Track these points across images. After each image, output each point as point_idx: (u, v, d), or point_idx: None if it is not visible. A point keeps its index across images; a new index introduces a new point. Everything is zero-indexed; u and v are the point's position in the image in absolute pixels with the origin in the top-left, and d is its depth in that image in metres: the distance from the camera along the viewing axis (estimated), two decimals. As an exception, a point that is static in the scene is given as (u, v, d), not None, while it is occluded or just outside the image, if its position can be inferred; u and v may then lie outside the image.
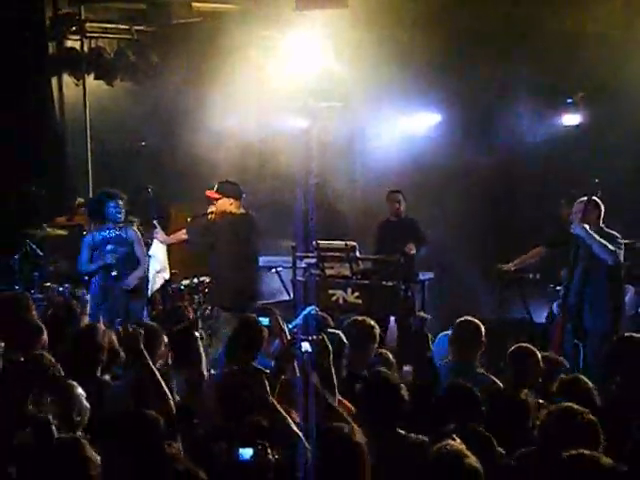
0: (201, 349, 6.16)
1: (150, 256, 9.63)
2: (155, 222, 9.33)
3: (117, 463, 3.97)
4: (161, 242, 9.50)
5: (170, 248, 9.98)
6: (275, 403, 4.73)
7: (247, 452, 3.96)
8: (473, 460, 4.00)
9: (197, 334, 6.20)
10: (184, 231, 9.05)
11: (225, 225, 8.82)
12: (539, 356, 6.15)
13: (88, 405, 4.92)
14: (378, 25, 10.09)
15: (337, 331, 6.46)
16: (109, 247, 8.96)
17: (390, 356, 6.66)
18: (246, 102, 10.21)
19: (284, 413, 4.66)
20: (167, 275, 10.12)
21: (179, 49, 11.79)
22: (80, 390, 5.04)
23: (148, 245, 9.61)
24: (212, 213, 8.92)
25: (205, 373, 5.96)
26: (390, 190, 10.55)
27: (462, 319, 6.64)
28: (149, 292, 9.68)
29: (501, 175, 11.52)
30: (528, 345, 6.25)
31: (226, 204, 8.91)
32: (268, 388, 4.82)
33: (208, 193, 8.99)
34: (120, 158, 12.12)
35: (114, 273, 8.92)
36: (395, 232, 10.24)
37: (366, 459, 4.11)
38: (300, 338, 4.65)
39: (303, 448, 4.20)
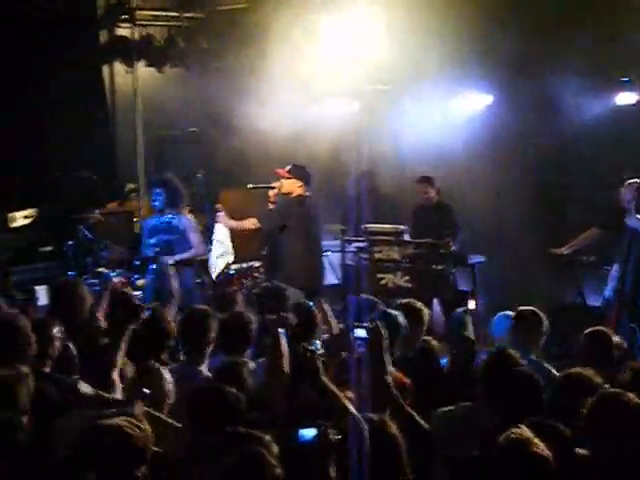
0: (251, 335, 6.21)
1: (212, 241, 9.72)
2: (219, 206, 9.40)
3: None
4: (224, 226, 9.52)
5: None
6: (330, 385, 4.73)
7: (309, 432, 3.95)
8: (541, 448, 3.96)
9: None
10: (254, 220, 9.12)
11: (295, 208, 8.98)
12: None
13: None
14: (425, 4, 10.00)
15: (395, 312, 6.46)
16: (152, 240, 9.05)
17: (433, 343, 6.63)
18: (294, 87, 10.20)
19: (339, 394, 4.66)
20: (231, 258, 10.09)
21: (228, 35, 11.81)
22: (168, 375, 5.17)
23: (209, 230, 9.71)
24: (277, 188, 9.03)
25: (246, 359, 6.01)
26: (417, 178, 10.51)
27: (524, 309, 6.62)
28: (213, 275, 9.77)
29: (554, 156, 11.38)
30: (605, 329, 6.24)
31: (294, 185, 9.05)
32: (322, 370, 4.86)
33: (279, 171, 9.09)
34: (170, 144, 12.22)
35: (153, 266, 8.99)
36: (428, 218, 10.20)
37: (401, 450, 4.10)
38: (354, 324, 4.62)
39: (360, 430, 4.17)
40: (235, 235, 9.82)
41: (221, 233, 9.84)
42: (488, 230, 10.95)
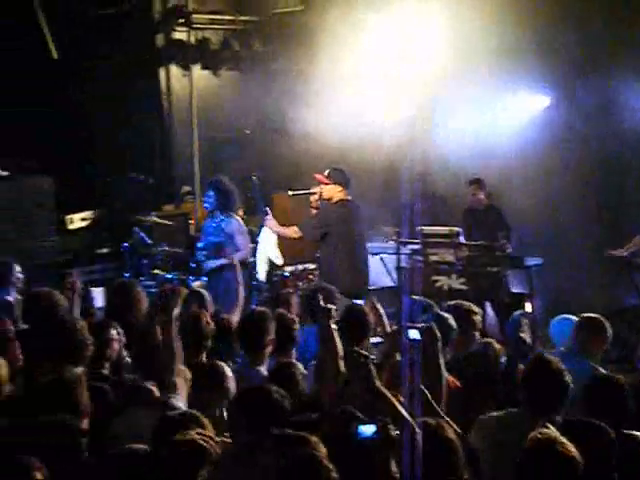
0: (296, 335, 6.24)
1: (257, 242, 9.75)
2: (267, 209, 9.42)
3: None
4: (270, 229, 9.54)
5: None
6: (382, 389, 4.71)
7: (369, 429, 3.96)
8: (569, 447, 3.92)
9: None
10: (295, 229, 9.12)
11: (337, 214, 8.96)
12: None
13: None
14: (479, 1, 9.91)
15: (447, 315, 6.44)
16: (201, 243, 9.10)
17: (496, 346, 6.57)
18: (347, 89, 10.18)
19: (392, 398, 4.64)
20: (279, 261, 10.09)
21: (282, 37, 11.87)
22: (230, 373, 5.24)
23: (255, 233, 9.74)
24: (317, 194, 9.02)
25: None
26: (467, 181, 10.44)
27: (589, 315, 6.55)
28: (258, 277, 9.80)
29: (612, 159, 11.22)
30: None
31: (335, 190, 9.02)
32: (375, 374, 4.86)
33: (318, 176, 9.08)
34: (225, 147, 12.29)
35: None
36: (479, 220, 10.11)
37: (458, 454, 4.06)
38: (407, 325, 4.60)
39: (413, 434, 4.15)
40: (286, 239, 9.82)
41: (266, 235, 9.84)
42: (544, 232, 10.83)
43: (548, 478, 3.68)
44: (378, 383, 4.71)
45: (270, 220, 9.35)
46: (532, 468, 3.85)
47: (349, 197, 9.07)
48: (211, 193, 9.21)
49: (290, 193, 9.44)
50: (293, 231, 9.19)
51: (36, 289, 7.65)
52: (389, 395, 4.63)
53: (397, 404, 4.55)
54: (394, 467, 3.91)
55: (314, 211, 9.18)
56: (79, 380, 5.00)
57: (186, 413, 4.56)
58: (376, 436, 3.95)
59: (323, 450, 4.00)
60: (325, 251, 9.01)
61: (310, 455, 3.80)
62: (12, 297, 7.79)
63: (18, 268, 8.22)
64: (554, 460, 3.87)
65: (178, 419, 4.38)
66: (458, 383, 5.31)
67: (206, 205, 9.25)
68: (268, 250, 9.79)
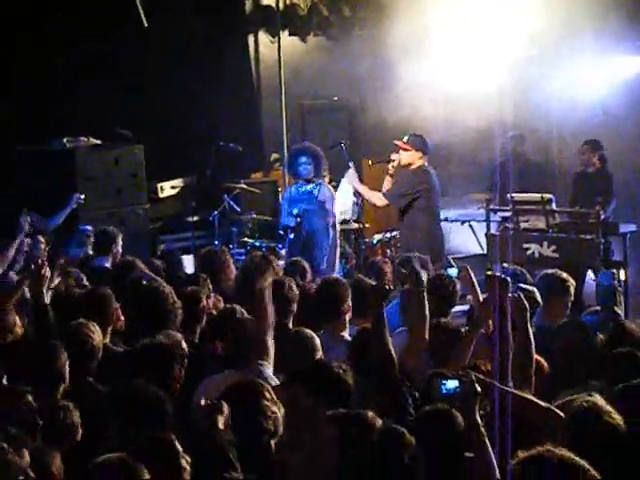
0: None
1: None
2: (351, 163, 9.35)
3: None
4: (349, 183, 9.43)
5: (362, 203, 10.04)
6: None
7: (452, 383, 4.02)
8: (613, 415, 3.89)
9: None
10: (379, 195, 9.08)
11: (422, 180, 8.90)
12: None
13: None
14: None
15: (532, 288, 6.33)
16: (295, 211, 9.06)
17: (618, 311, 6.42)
18: (437, 55, 10.03)
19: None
20: (348, 216, 10.00)
21: (370, 3, 11.72)
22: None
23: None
24: (396, 161, 8.97)
25: None
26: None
27: None
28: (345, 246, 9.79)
29: None
30: None
31: (415, 157, 8.93)
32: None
33: (398, 143, 9.00)
34: (313, 114, 12.25)
35: (291, 236, 9.04)
36: (587, 184, 9.88)
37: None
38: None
39: (505, 402, 4.12)
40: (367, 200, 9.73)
41: (343, 189, 9.71)
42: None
43: (589, 446, 3.62)
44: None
45: (353, 175, 9.26)
46: (576, 436, 3.80)
47: (427, 163, 8.98)
48: (307, 159, 9.17)
49: (369, 162, 9.40)
50: (377, 197, 9.13)
51: (123, 258, 7.83)
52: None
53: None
54: (479, 419, 3.89)
55: (389, 178, 9.11)
56: (176, 347, 5.07)
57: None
58: (459, 391, 3.98)
59: (378, 422, 3.98)
60: (410, 219, 8.94)
61: (398, 431, 3.76)
62: (109, 264, 7.95)
63: (121, 240, 8.36)
64: (598, 429, 3.86)
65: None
66: (543, 362, 5.19)
67: (304, 172, 9.19)
68: (342, 202, 9.64)
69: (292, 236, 9.09)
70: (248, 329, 5.47)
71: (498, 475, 3.76)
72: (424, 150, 8.97)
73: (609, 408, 3.97)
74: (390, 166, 9.09)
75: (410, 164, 8.97)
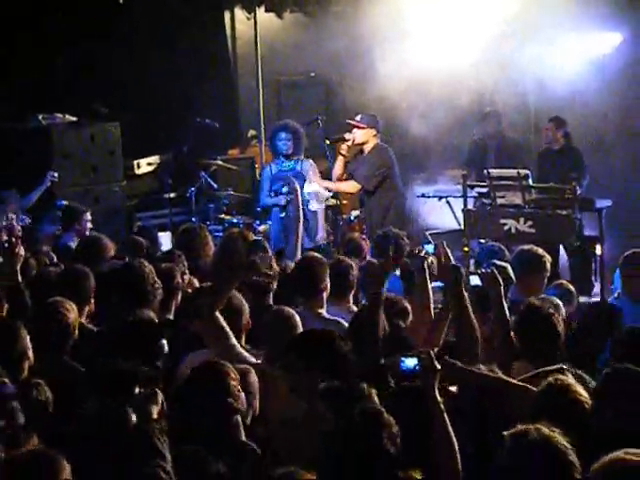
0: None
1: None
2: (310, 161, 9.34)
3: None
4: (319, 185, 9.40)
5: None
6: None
7: (411, 361, 4.09)
8: (580, 392, 3.99)
9: None
10: (353, 183, 9.14)
11: (389, 156, 9.10)
12: None
13: None
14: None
15: (505, 264, 6.37)
16: (284, 189, 9.02)
17: (571, 287, 6.47)
18: (414, 32, 10.02)
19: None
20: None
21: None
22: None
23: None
24: (350, 140, 9.10)
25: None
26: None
27: (632, 252, 6.38)
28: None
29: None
30: None
31: (369, 135, 9.11)
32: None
33: (351, 122, 9.15)
34: (290, 90, 12.21)
35: (282, 215, 9.02)
36: (553, 161, 9.91)
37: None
38: (470, 271, 4.55)
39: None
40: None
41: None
42: (616, 172, 10.60)
43: (560, 421, 3.68)
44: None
45: (315, 178, 9.25)
46: (545, 412, 3.85)
47: (380, 142, 9.15)
48: (286, 135, 9.14)
49: (327, 142, 9.42)
50: (350, 186, 9.23)
51: (89, 235, 7.81)
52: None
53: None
54: (438, 396, 3.94)
55: (341, 158, 9.22)
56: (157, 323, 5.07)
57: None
58: (418, 368, 4.03)
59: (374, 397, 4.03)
60: (379, 198, 9.08)
61: (373, 411, 3.79)
62: (73, 242, 7.92)
63: (89, 217, 8.33)
64: (566, 405, 3.94)
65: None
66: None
67: (284, 148, 9.16)
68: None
69: (282, 215, 9.06)
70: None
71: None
72: (377, 128, 9.16)
73: (577, 386, 4.07)
74: (345, 145, 9.20)
75: (364, 142, 9.14)
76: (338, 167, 9.37)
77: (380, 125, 9.24)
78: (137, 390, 4.06)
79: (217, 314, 4.93)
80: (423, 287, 5.46)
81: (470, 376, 4.25)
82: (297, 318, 5.28)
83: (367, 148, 9.19)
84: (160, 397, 3.97)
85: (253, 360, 4.96)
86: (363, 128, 9.10)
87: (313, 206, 9.10)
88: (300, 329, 5.19)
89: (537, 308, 5.00)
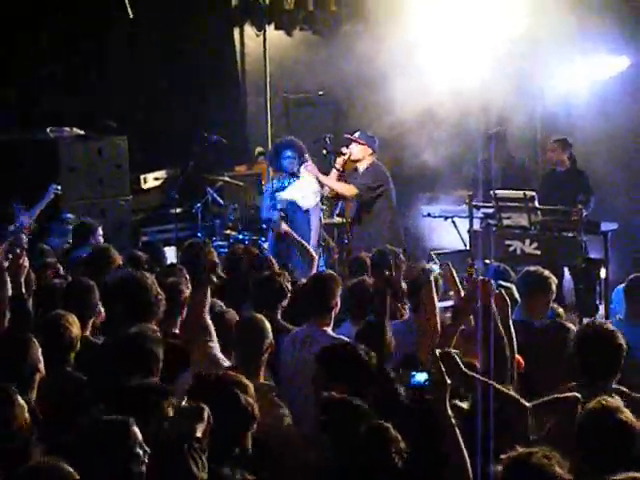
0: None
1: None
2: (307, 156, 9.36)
3: None
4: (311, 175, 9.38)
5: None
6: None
7: (421, 376, 4.06)
8: (628, 415, 3.92)
9: None
10: (350, 186, 9.20)
11: (386, 173, 9.25)
12: None
13: None
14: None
15: (510, 285, 6.36)
16: (279, 205, 9.04)
17: (560, 310, 6.48)
18: (423, 50, 10.04)
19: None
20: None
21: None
22: None
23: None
24: (347, 154, 9.24)
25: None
26: (551, 141, 10.22)
27: (635, 275, 6.36)
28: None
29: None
30: None
31: (366, 153, 9.25)
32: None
33: (351, 136, 9.25)
34: (298, 108, 12.25)
35: (271, 233, 9.04)
36: (559, 184, 9.88)
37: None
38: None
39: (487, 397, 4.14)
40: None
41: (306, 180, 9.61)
42: (621, 196, 10.60)
43: (608, 445, 3.69)
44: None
45: (313, 167, 9.27)
46: (592, 435, 3.85)
47: (377, 160, 9.29)
48: (292, 154, 9.15)
49: (324, 152, 9.48)
50: (347, 188, 9.24)
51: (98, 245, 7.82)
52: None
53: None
54: (449, 411, 3.91)
55: (334, 172, 9.32)
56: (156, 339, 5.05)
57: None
58: (428, 383, 4.01)
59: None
60: (375, 217, 9.17)
61: (380, 427, 3.77)
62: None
63: (101, 231, 8.35)
64: (614, 427, 3.89)
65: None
66: (520, 360, 5.22)
67: (290, 166, 9.16)
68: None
69: (272, 233, 9.09)
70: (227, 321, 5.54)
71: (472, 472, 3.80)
72: (374, 148, 9.28)
73: (624, 408, 4.03)
74: (340, 159, 9.29)
75: (360, 159, 9.26)
76: (332, 179, 9.45)
77: (376, 146, 9.35)
78: (169, 405, 3.99)
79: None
80: (430, 302, 5.41)
81: (464, 374, 4.21)
82: (267, 325, 5.27)
83: (362, 166, 9.31)
84: (207, 413, 3.74)
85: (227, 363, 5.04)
86: (361, 144, 9.21)
87: (303, 203, 9.08)
88: (270, 336, 5.18)
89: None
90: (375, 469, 3.63)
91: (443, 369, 3.99)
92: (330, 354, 4.68)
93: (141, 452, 3.59)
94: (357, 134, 9.32)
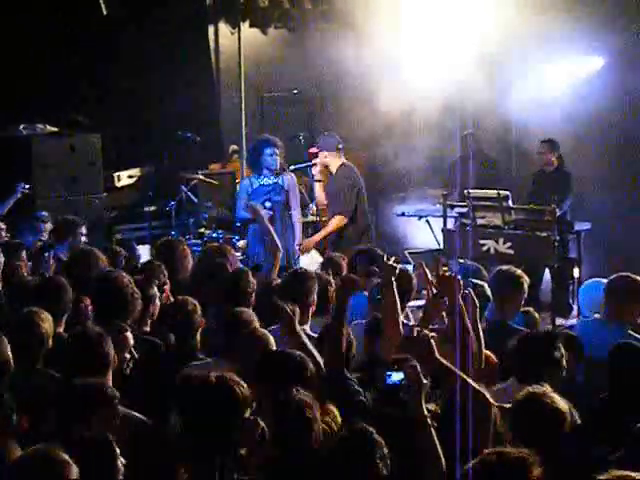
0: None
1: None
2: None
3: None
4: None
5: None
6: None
7: (397, 376, 4.04)
8: (558, 402, 4.03)
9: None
10: (339, 217, 9.20)
11: (357, 175, 9.32)
12: None
13: None
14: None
15: (482, 283, 6.37)
16: (267, 204, 8.95)
17: (536, 315, 6.49)
18: (397, 50, 10.05)
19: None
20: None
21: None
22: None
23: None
24: (319, 165, 9.38)
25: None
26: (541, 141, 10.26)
27: (618, 275, 6.36)
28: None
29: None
30: None
31: (334, 157, 9.27)
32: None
33: (311, 150, 9.44)
34: (273, 106, 12.23)
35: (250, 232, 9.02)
36: (546, 183, 9.93)
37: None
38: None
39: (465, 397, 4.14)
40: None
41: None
42: (594, 196, 10.65)
43: (537, 430, 3.79)
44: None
45: (313, 240, 9.32)
46: (523, 420, 3.97)
47: (341, 160, 9.29)
48: (272, 151, 9.05)
49: (291, 167, 9.39)
50: (336, 222, 9.22)
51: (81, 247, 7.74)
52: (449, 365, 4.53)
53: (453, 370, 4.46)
54: (426, 411, 3.91)
55: (318, 185, 9.48)
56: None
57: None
58: (404, 382, 3.99)
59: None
60: (354, 222, 9.21)
61: (363, 430, 3.77)
62: (64, 255, 7.84)
63: (84, 230, 8.25)
64: (542, 413, 4.02)
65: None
66: (494, 358, 5.22)
67: (274, 163, 9.06)
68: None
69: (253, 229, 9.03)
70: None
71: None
72: (335, 147, 9.28)
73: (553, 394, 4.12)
74: (316, 171, 9.48)
75: (329, 163, 9.32)
76: (319, 193, 9.64)
77: (336, 142, 9.32)
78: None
79: None
80: (391, 301, 5.32)
81: (438, 361, 4.18)
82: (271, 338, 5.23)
83: (333, 169, 9.36)
84: (261, 425, 3.77)
85: None
86: (325, 155, 9.30)
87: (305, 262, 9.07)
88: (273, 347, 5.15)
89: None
90: (361, 475, 3.61)
91: (419, 369, 3.96)
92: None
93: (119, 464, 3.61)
94: (318, 142, 9.41)
